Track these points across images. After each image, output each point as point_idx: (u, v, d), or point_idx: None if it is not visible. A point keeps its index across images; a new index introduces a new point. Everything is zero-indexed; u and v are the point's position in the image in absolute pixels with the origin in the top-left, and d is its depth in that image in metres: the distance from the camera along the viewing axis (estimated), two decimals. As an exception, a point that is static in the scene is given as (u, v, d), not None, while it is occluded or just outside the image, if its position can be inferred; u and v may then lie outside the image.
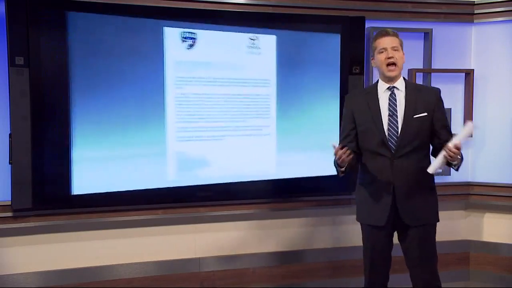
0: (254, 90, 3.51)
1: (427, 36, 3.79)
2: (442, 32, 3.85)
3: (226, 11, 3.43)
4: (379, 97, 2.68)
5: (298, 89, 3.57)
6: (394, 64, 2.61)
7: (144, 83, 3.24)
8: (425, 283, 2.65)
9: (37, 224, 3.15)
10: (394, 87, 2.66)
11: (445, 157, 2.44)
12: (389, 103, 2.64)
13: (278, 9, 3.52)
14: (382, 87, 2.69)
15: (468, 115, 3.84)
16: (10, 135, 2.99)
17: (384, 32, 2.66)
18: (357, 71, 3.55)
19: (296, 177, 3.59)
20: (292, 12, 3.52)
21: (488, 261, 3.94)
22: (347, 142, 2.75)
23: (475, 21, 3.86)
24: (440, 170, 2.55)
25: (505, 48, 3.80)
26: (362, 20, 3.55)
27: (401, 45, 2.67)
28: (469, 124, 2.56)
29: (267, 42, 3.51)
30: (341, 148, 2.50)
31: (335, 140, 2.80)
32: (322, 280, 3.77)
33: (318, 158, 3.52)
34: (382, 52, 2.63)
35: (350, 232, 3.78)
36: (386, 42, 2.63)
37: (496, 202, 3.84)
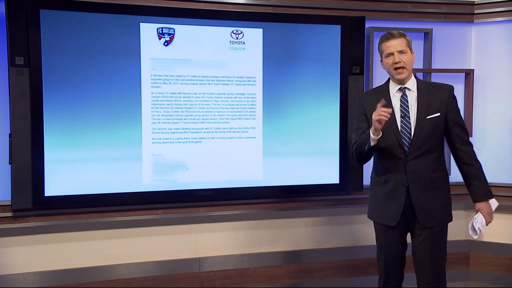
0: (238, 88, 3.39)
1: (427, 36, 3.78)
2: (442, 32, 3.84)
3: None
4: (391, 97, 2.64)
5: (289, 88, 3.45)
6: (402, 67, 2.58)
7: (120, 82, 3.15)
8: (432, 283, 2.63)
9: (37, 224, 3.15)
10: (405, 87, 2.62)
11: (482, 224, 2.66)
12: (400, 104, 2.61)
13: (279, 9, 3.51)
14: (394, 87, 2.65)
15: (468, 115, 3.83)
16: (10, 135, 2.99)
17: (389, 35, 2.61)
18: (357, 71, 3.55)
19: (285, 185, 3.46)
20: (293, 12, 3.52)
21: (488, 261, 3.94)
22: None
23: (475, 21, 3.86)
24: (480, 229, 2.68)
25: (505, 48, 3.80)
26: (362, 20, 3.54)
27: (409, 45, 2.61)
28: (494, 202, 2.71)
29: (253, 37, 3.37)
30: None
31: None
32: (323, 280, 3.77)
33: (311, 163, 3.20)
34: (389, 56, 2.60)
35: (351, 232, 3.78)
36: (392, 45, 2.58)
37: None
